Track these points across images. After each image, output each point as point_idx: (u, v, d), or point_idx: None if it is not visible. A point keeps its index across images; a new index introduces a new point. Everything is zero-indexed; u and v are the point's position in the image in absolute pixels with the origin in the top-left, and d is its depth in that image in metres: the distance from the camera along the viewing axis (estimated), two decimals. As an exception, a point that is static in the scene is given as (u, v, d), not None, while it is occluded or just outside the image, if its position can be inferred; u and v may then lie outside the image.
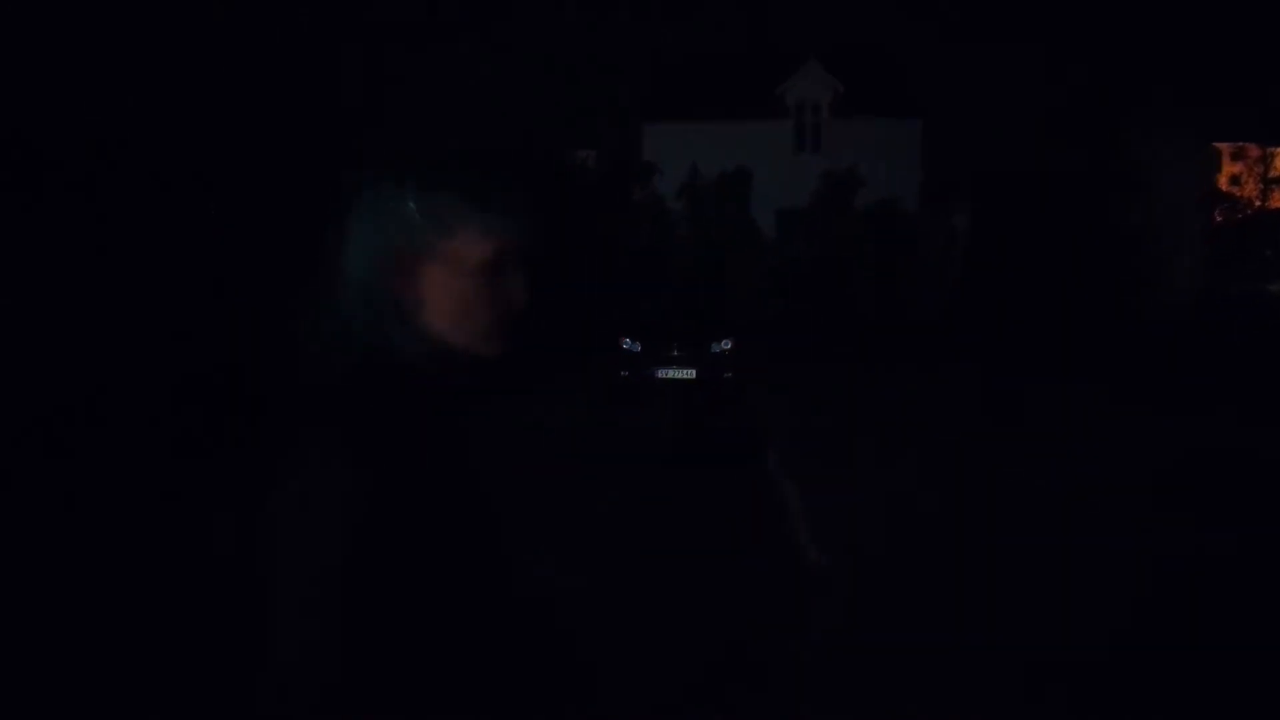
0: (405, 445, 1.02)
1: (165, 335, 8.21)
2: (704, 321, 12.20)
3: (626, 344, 11.64)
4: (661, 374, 11.27)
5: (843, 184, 18.11)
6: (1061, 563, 4.76)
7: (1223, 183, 21.67)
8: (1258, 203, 21.77)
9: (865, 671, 3.69)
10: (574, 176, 13.46)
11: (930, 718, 3.40)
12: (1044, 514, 5.65)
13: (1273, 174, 21.98)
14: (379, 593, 0.97)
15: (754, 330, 13.33)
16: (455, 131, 12.57)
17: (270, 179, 9.83)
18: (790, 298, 17.28)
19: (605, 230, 13.50)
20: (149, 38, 9.03)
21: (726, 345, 11.66)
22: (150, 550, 4.91)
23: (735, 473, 7.16)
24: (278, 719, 1.00)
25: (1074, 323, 12.14)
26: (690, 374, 11.21)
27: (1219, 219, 20.43)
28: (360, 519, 0.97)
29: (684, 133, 17.11)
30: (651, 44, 17.02)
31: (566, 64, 13.98)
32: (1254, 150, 22.16)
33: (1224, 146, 21.33)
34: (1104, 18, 14.61)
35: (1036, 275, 13.33)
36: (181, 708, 3.40)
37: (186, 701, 3.42)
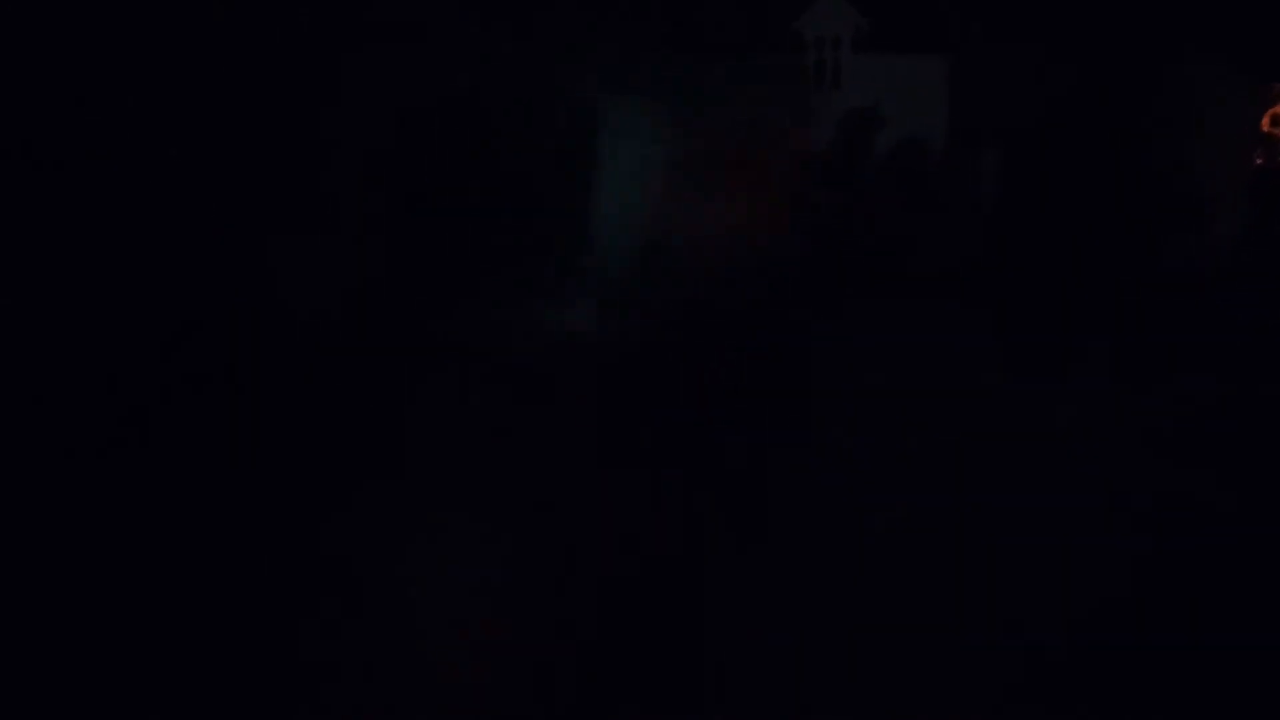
0: None
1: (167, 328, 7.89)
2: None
3: (628, 293, 11.14)
4: None
5: (864, 122, 17.50)
6: (1061, 560, 4.73)
7: (1265, 124, 20.82)
8: (1301, 145, 20.93)
9: (864, 670, 3.71)
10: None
11: (930, 718, 3.36)
12: (1044, 509, 5.38)
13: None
14: None
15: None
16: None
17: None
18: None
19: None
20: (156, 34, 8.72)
21: (735, 295, 11.10)
22: (152, 550, 4.73)
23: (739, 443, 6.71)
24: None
25: (1103, 276, 11.58)
26: None
27: (1260, 162, 19.63)
28: None
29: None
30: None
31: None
32: (1300, 88, 21.27)
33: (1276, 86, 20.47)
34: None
35: (1068, 223, 12.76)
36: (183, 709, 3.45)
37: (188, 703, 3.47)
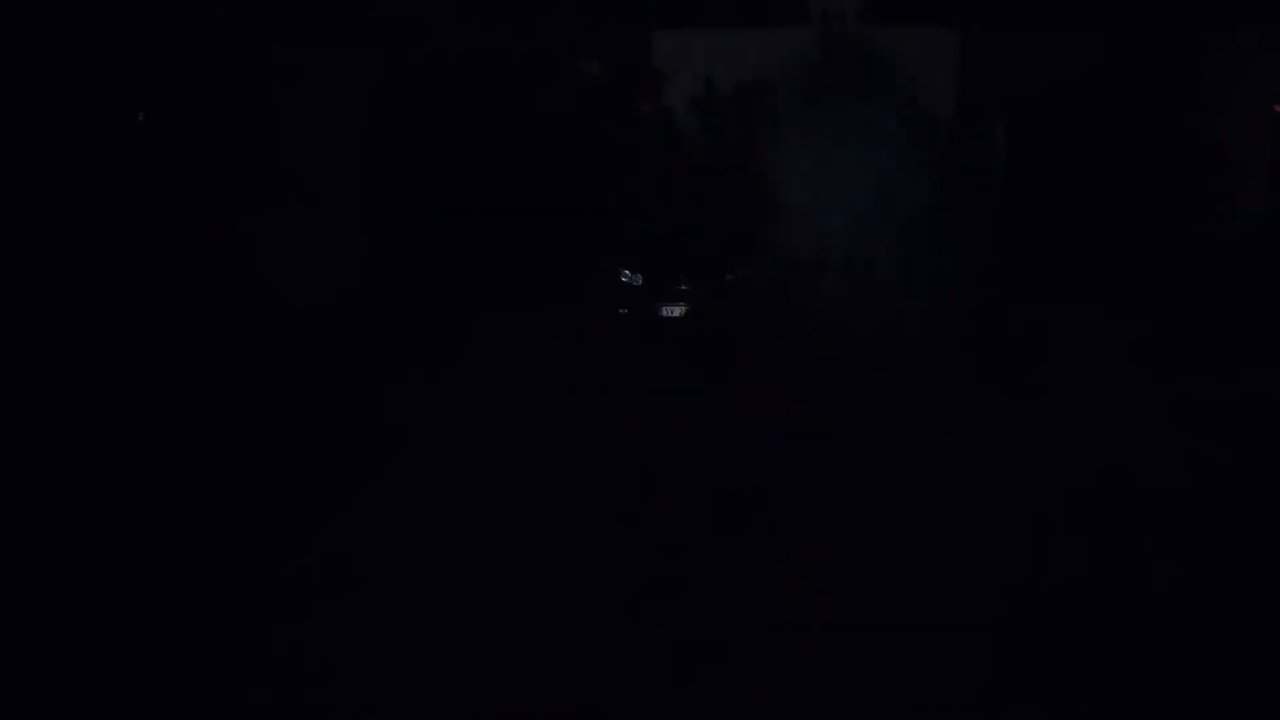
0: None
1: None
2: (717, 250, 11.36)
3: (626, 276, 10.80)
4: (667, 311, 10.49)
5: (872, 97, 17.37)
6: (1061, 560, 4.72)
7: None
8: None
9: (863, 667, 3.68)
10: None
11: (929, 717, 3.37)
12: (1041, 512, 5.37)
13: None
14: None
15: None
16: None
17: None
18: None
19: (607, 147, 12.75)
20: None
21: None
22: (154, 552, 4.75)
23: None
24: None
25: (1120, 260, 11.41)
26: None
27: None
28: None
29: (697, 40, 16.29)
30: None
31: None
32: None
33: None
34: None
35: (1081, 202, 12.52)
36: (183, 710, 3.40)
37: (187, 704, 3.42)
